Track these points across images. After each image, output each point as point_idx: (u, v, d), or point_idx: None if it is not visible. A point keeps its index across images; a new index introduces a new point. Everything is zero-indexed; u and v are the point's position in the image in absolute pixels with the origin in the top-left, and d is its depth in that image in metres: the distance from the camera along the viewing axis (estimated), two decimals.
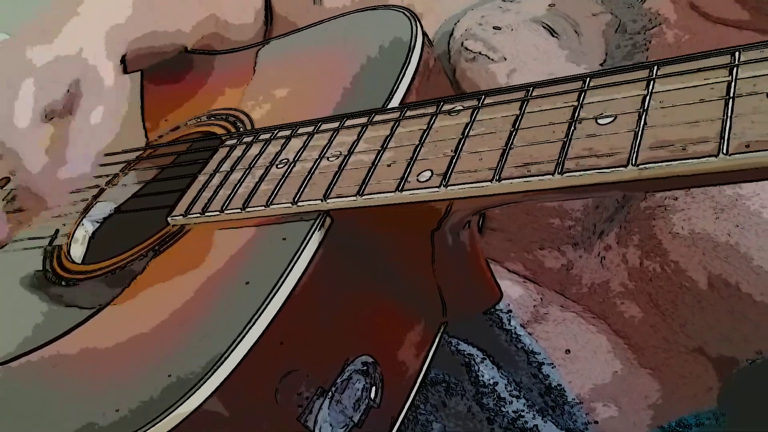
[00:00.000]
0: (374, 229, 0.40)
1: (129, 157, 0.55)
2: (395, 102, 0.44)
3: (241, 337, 0.34)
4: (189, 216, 0.44)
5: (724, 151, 0.28)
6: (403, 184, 0.36)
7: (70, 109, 0.51)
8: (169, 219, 0.45)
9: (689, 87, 0.31)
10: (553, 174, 0.32)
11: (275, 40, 0.59)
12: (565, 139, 0.33)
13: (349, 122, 0.42)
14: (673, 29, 0.53)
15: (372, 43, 0.49)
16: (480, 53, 0.54)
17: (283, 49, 0.57)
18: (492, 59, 0.54)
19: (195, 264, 0.42)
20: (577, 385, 0.47)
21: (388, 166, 0.38)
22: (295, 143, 0.43)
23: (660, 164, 0.29)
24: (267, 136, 0.46)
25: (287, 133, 0.45)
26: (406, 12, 0.49)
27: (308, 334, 0.38)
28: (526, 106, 0.36)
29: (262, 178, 0.42)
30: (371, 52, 0.49)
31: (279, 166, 0.43)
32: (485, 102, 0.38)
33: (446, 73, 0.53)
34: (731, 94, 0.30)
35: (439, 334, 0.45)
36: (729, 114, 0.29)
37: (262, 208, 0.41)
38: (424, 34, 0.47)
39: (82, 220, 0.52)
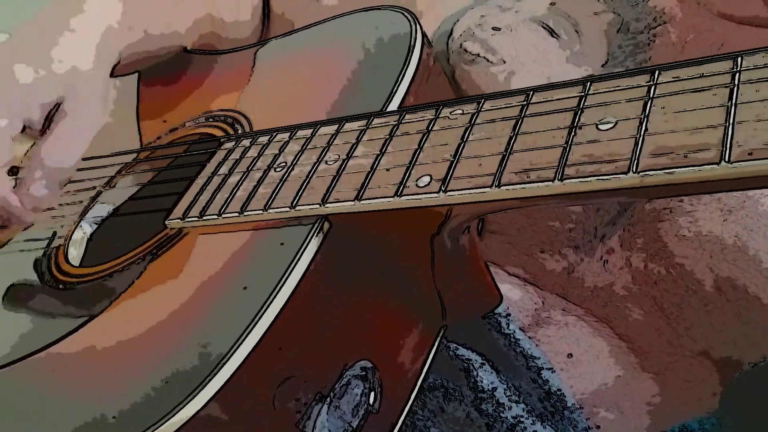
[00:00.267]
0: (373, 233, 0.39)
1: (118, 160, 0.54)
2: (395, 103, 0.43)
3: (239, 342, 0.34)
4: (186, 219, 0.44)
5: (726, 158, 0.28)
6: (402, 189, 0.36)
7: (46, 129, 0.51)
8: (166, 222, 0.45)
9: (691, 93, 0.31)
10: (552, 180, 0.32)
11: (274, 40, 0.58)
12: (565, 145, 0.32)
13: (347, 125, 0.42)
14: (678, 28, 0.52)
15: (371, 45, 0.49)
16: (479, 55, 0.54)
17: (281, 50, 0.56)
18: (491, 62, 0.53)
19: (193, 268, 0.42)
20: (579, 390, 0.47)
21: (387, 170, 0.38)
22: (294, 146, 0.43)
23: (661, 172, 0.29)
24: (265, 138, 0.45)
25: (286, 135, 0.44)
26: (405, 12, 0.49)
27: (307, 339, 0.38)
28: (526, 110, 0.36)
29: (260, 182, 0.42)
30: (371, 54, 0.49)
31: (277, 169, 0.42)
32: (485, 106, 0.37)
33: (445, 73, 0.52)
34: (734, 101, 0.29)
35: (439, 338, 0.45)
36: (731, 121, 0.29)
37: (261, 212, 0.40)
38: (424, 35, 0.47)
39: (80, 221, 0.52)
